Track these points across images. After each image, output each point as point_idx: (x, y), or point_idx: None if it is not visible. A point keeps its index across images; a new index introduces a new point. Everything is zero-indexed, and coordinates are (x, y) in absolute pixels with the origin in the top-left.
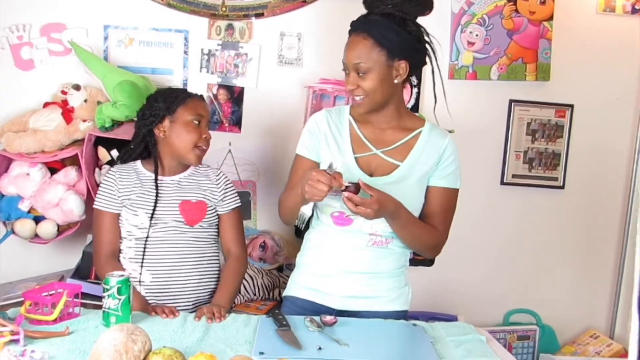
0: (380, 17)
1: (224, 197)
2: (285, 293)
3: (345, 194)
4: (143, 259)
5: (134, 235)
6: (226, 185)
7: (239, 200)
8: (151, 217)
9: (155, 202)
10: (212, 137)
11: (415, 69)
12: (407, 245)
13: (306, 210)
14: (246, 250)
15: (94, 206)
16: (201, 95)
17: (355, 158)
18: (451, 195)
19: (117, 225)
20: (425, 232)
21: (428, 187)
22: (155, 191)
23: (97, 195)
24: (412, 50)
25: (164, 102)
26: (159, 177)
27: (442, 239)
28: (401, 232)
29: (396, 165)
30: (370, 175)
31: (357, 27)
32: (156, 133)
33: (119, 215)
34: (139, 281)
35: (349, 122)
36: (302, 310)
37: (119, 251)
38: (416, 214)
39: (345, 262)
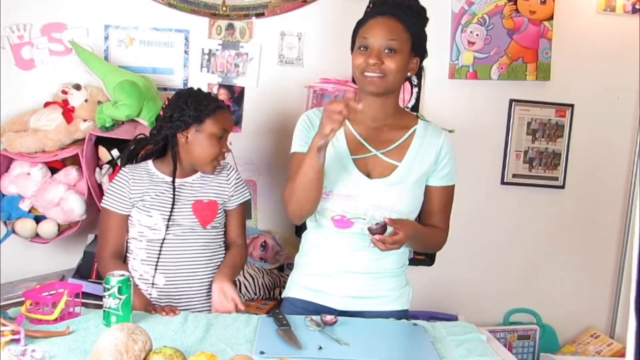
0: (409, 9)
1: (234, 192)
2: (284, 294)
3: (377, 237)
4: (158, 261)
5: (145, 237)
6: (237, 180)
7: (248, 195)
8: (168, 220)
9: (173, 205)
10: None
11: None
12: (416, 250)
13: None
14: (247, 243)
15: (102, 205)
16: (228, 106)
17: (353, 160)
18: (450, 191)
19: (125, 226)
20: (433, 235)
21: (428, 187)
22: (172, 193)
23: (106, 194)
24: (424, 48)
25: (195, 109)
26: (178, 180)
27: (446, 235)
28: (415, 245)
29: (395, 166)
30: (368, 175)
31: (386, 11)
32: (178, 137)
33: (127, 216)
34: (152, 283)
35: None
36: (302, 311)
37: (127, 251)
38: (416, 213)
39: (346, 262)
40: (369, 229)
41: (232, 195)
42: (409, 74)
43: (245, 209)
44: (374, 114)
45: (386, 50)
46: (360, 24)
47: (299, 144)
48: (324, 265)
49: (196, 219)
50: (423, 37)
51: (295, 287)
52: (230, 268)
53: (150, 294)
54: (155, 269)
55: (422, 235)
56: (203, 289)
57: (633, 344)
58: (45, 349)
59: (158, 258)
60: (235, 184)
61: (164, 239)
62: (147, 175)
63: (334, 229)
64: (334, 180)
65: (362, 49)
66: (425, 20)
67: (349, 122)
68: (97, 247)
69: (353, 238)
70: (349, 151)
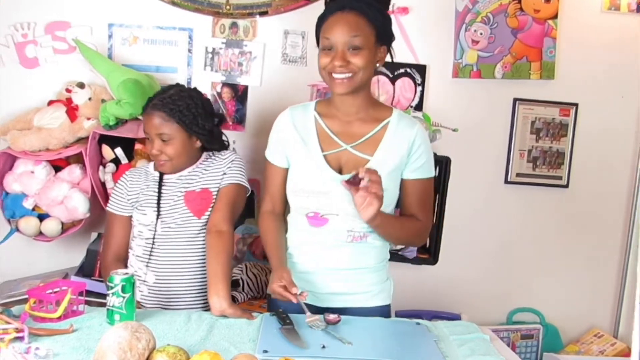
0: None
1: (227, 170)
2: (268, 291)
3: (362, 184)
4: (149, 258)
5: (143, 236)
6: (231, 163)
7: (242, 179)
8: (157, 214)
9: (159, 197)
10: (168, 152)
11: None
12: (394, 242)
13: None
14: (233, 230)
15: (107, 208)
16: (162, 106)
17: (324, 156)
18: (427, 185)
19: (127, 228)
20: (408, 224)
21: (403, 181)
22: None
23: (110, 198)
24: (391, 36)
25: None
26: (166, 176)
27: (426, 226)
28: (390, 232)
29: (366, 160)
30: (340, 171)
31: (345, 5)
32: None
33: (129, 218)
34: (144, 280)
35: (314, 118)
36: (285, 310)
37: (127, 252)
38: (391, 207)
39: (326, 259)
40: (351, 183)
41: (224, 173)
42: (377, 64)
43: (239, 196)
44: (346, 109)
45: (350, 49)
46: (321, 20)
47: (270, 152)
48: (304, 264)
49: (189, 211)
50: (387, 25)
51: None
52: (224, 281)
53: (141, 291)
54: (147, 266)
55: (394, 223)
56: (195, 286)
57: (639, 342)
58: (49, 346)
59: (150, 255)
60: (229, 164)
61: (154, 236)
62: (144, 176)
63: (310, 227)
64: (305, 178)
65: (326, 49)
66: (387, 4)
67: (320, 118)
68: (102, 250)
69: (331, 235)
70: (320, 147)
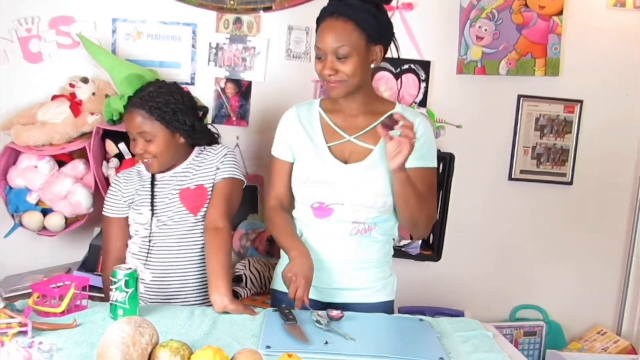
0: (357, 1)
1: (221, 165)
2: (271, 286)
3: (398, 127)
4: (147, 257)
5: (140, 234)
6: (224, 157)
7: (235, 173)
8: (152, 213)
9: (152, 195)
10: (151, 150)
11: (385, 54)
12: (406, 213)
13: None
14: (231, 226)
15: (103, 213)
16: (141, 104)
17: (329, 147)
18: (430, 174)
19: (125, 230)
20: (424, 196)
21: (407, 170)
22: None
23: (105, 202)
24: (387, 34)
25: None
26: (160, 174)
27: (435, 211)
28: (409, 194)
29: (370, 150)
30: (345, 162)
31: (335, 11)
32: None
33: (126, 219)
34: (141, 279)
35: (319, 113)
36: (287, 305)
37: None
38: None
39: (330, 252)
40: (386, 126)
41: (217, 168)
42: (373, 65)
43: (234, 190)
44: (348, 105)
45: (339, 57)
46: (317, 23)
47: (276, 147)
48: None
49: (184, 208)
50: (381, 24)
51: (280, 280)
52: (224, 278)
53: None
54: (144, 264)
55: (414, 187)
56: (193, 283)
57: None
58: (53, 341)
59: (147, 253)
60: (222, 159)
61: (150, 234)
62: (137, 176)
63: (315, 219)
64: (311, 168)
65: (318, 57)
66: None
67: (324, 113)
68: (102, 255)
69: (335, 226)
70: (324, 139)
